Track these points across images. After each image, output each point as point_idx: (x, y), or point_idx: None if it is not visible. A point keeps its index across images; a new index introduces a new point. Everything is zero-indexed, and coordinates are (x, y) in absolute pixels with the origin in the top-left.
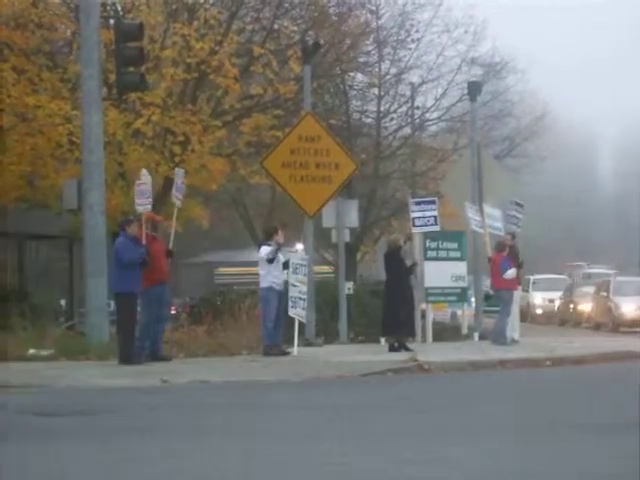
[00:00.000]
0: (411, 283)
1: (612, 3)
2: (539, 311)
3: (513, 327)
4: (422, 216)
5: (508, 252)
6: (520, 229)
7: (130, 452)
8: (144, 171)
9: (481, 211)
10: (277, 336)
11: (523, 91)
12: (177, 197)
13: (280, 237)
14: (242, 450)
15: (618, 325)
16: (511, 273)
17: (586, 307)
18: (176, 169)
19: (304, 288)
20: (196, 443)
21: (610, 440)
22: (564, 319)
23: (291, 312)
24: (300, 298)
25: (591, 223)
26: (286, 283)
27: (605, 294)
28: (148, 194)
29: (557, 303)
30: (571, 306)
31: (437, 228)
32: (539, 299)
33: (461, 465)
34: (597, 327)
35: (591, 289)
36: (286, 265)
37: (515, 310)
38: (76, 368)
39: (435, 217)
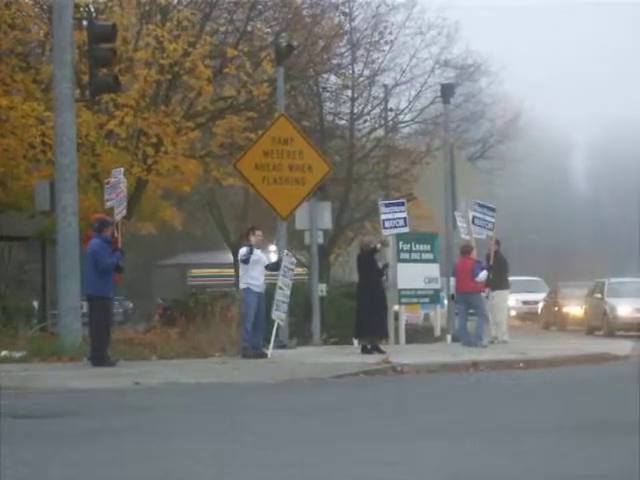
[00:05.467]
0: (383, 285)
1: (585, 5)
2: (513, 312)
3: (500, 328)
4: (392, 218)
5: (494, 258)
6: (492, 232)
7: (102, 454)
8: (119, 176)
9: (467, 216)
10: (256, 338)
11: (496, 93)
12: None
13: (253, 238)
14: (212, 452)
15: (614, 329)
16: (483, 276)
17: (572, 310)
18: (113, 171)
19: (288, 292)
20: (168, 445)
21: (563, 440)
22: (548, 322)
23: (274, 315)
24: (283, 302)
25: (564, 224)
26: (274, 285)
27: (599, 296)
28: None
29: (540, 305)
30: (555, 308)
31: (406, 230)
32: (513, 301)
33: (425, 466)
34: (590, 331)
35: (577, 291)
36: (277, 267)
37: (504, 311)
38: (49, 370)
39: (404, 219)
